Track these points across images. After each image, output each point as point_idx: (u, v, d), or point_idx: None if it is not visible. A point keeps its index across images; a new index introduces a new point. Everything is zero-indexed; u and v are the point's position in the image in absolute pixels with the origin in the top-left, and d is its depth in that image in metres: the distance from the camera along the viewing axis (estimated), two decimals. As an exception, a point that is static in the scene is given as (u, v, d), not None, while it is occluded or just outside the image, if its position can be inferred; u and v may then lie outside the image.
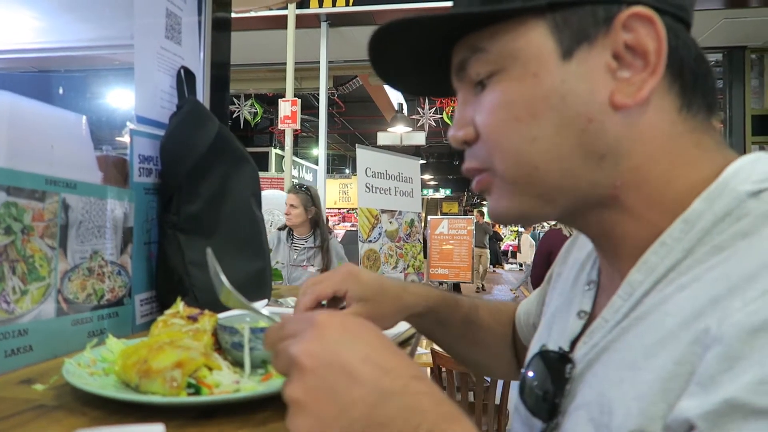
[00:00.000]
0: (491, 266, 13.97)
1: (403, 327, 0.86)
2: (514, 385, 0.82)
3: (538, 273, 3.82)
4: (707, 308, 0.36)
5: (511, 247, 17.25)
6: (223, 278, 0.51)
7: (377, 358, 0.37)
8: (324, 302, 0.69)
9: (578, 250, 0.64)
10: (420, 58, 0.54)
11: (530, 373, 0.53)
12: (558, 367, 0.50)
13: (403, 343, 0.83)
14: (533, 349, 0.59)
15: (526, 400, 0.53)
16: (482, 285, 10.62)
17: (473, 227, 5.83)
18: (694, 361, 0.35)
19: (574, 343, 0.51)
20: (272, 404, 0.54)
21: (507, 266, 15.71)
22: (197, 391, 0.54)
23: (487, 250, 10.81)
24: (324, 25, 5.35)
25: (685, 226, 0.42)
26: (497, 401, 2.54)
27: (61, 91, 1.40)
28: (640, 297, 0.43)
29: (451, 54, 0.52)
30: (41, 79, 1.43)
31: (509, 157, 0.47)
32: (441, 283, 5.56)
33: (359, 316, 0.66)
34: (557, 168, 0.46)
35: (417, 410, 0.36)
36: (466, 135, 0.50)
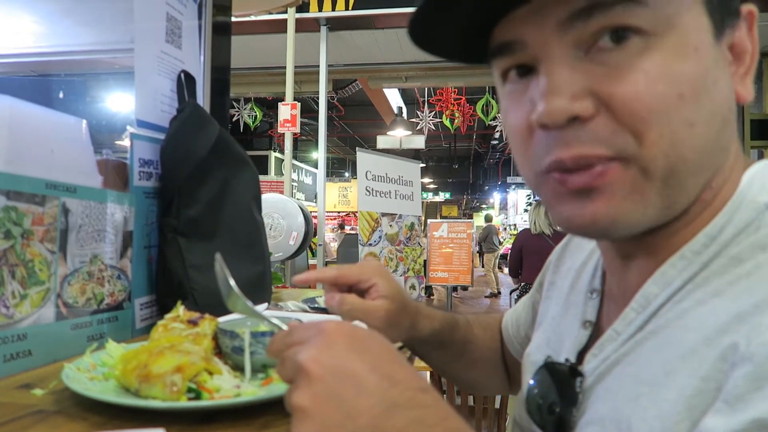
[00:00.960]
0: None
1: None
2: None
3: (513, 265, 4.50)
4: (732, 324, 0.35)
5: (510, 251, 17.24)
6: (233, 283, 0.50)
7: (385, 368, 0.37)
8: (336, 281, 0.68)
9: (570, 257, 0.62)
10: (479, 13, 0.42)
11: (535, 385, 0.52)
12: (567, 379, 0.48)
13: (401, 349, 0.83)
14: (534, 360, 0.57)
15: (532, 413, 0.51)
16: (498, 290, 10.54)
17: (473, 231, 5.83)
18: (720, 377, 0.34)
19: (581, 355, 0.50)
20: (273, 409, 0.53)
21: (506, 269, 15.69)
22: (197, 396, 0.54)
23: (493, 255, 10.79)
24: (324, 29, 5.36)
25: (706, 240, 0.41)
26: (497, 405, 2.54)
27: (61, 95, 1.40)
28: (655, 310, 0.42)
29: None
30: (41, 83, 1.44)
31: (664, 143, 0.38)
32: (455, 289, 5.55)
33: (381, 314, 0.66)
34: (698, 164, 0.40)
35: (424, 424, 0.35)
36: (585, 108, 0.38)
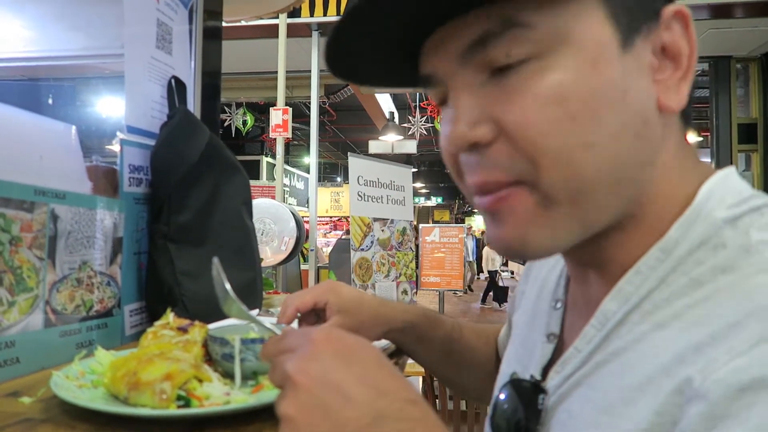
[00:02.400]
0: (481, 274, 14.02)
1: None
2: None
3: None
4: (689, 355, 0.34)
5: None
6: (228, 287, 0.50)
7: (373, 378, 0.37)
8: (299, 315, 0.71)
9: (539, 265, 0.61)
10: (392, 45, 0.44)
11: (501, 398, 0.51)
12: (530, 396, 0.48)
13: (394, 354, 0.82)
14: (503, 374, 0.58)
15: (496, 427, 0.51)
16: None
17: (465, 235, 5.84)
18: (675, 412, 0.33)
19: (546, 370, 0.49)
20: (263, 416, 0.53)
21: (502, 274, 15.75)
22: (187, 404, 0.54)
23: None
24: (315, 34, 5.37)
25: (661, 254, 0.39)
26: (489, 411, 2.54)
27: (50, 100, 1.39)
28: (612, 327, 0.41)
29: (435, 29, 0.41)
30: (31, 87, 1.43)
31: (561, 166, 0.37)
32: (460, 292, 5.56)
33: (339, 327, 0.68)
34: (609, 181, 0.38)
35: None
36: (484, 135, 0.39)
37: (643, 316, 0.39)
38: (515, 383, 0.51)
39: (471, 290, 12.30)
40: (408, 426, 0.35)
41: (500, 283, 10.16)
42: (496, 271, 10.22)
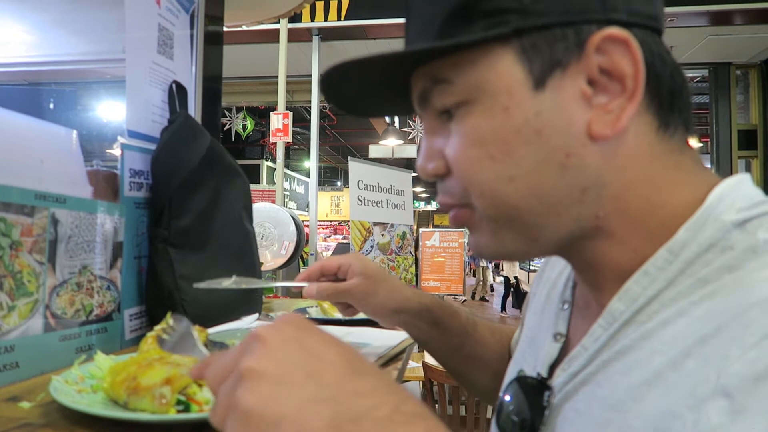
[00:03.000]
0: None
1: (394, 341, 0.85)
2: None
3: None
4: (695, 347, 0.35)
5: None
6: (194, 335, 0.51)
7: (342, 345, 0.36)
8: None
9: (550, 268, 0.62)
10: (377, 87, 0.50)
11: (507, 399, 0.52)
12: (536, 393, 0.48)
13: (393, 359, 0.83)
14: (510, 373, 0.58)
15: (502, 427, 0.51)
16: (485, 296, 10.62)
17: (465, 240, 5.84)
18: (684, 412, 0.33)
19: (552, 368, 0.49)
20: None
21: (498, 278, 15.73)
22: (187, 408, 0.54)
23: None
24: (316, 39, 5.38)
25: (669, 255, 0.40)
26: (489, 415, 2.54)
27: (52, 105, 1.40)
28: (619, 327, 0.42)
29: (410, 80, 0.48)
30: (32, 92, 1.43)
31: (486, 197, 0.43)
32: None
33: (357, 289, 0.73)
34: (539, 207, 0.42)
35: (393, 384, 0.34)
36: (436, 169, 0.46)
37: (650, 316, 0.40)
38: (521, 380, 0.51)
39: (486, 300, 11.29)
40: (389, 377, 0.35)
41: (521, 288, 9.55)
42: (515, 276, 9.64)
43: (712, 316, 0.35)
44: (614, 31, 0.40)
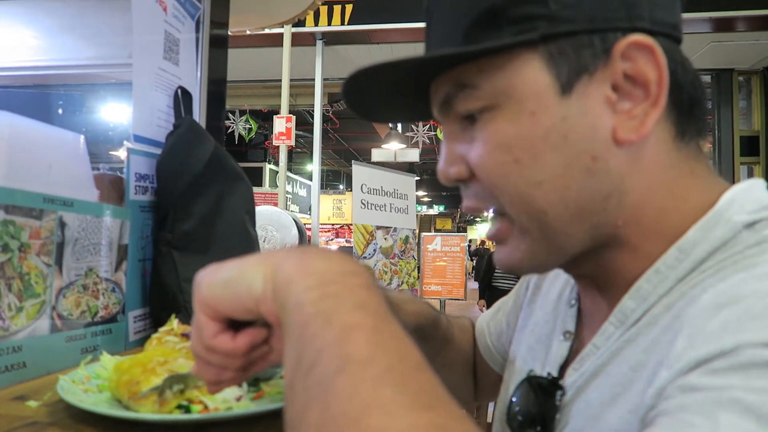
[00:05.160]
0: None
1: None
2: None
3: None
4: (686, 308, 0.37)
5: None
6: None
7: None
8: None
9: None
10: (395, 93, 0.50)
11: (517, 401, 0.52)
12: (548, 394, 0.49)
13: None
14: (518, 369, 0.58)
15: (513, 427, 0.52)
16: None
17: (466, 244, 5.85)
18: (661, 360, 0.36)
19: (563, 368, 0.50)
20: (265, 422, 0.54)
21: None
22: (188, 410, 0.55)
23: None
24: (319, 43, 5.41)
25: (679, 254, 0.41)
26: (489, 419, 2.54)
27: (60, 110, 1.41)
28: (631, 324, 0.43)
29: (430, 84, 0.48)
30: (40, 96, 1.45)
31: (515, 202, 0.44)
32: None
33: None
34: (565, 212, 0.43)
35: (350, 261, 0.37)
36: (459, 173, 0.47)
37: (661, 310, 0.41)
38: (532, 380, 0.52)
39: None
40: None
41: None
42: None
43: (704, 286, 0.37)
44: (640, 37, 0.41)
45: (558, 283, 0.60)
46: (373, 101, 0.51)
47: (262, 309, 0.36)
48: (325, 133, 9.34)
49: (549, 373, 0.51)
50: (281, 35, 4.73)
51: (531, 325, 0.61)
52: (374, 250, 4.22)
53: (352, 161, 4.23)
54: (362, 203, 4.11)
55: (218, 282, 0.38)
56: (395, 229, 4.41)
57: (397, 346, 0.31)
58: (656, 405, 0.33)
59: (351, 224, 4.18)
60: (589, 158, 0.42)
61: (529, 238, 0.45)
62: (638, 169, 0.43)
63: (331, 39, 5.43)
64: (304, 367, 0.30)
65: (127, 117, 1.00)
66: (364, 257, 4.08)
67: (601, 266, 0.46)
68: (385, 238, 4.33)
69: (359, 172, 4.13)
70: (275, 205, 5.00)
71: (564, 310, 0.55)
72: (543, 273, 0.53)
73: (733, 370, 0.29)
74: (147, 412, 0.54)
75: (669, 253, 0.42)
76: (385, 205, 4.34)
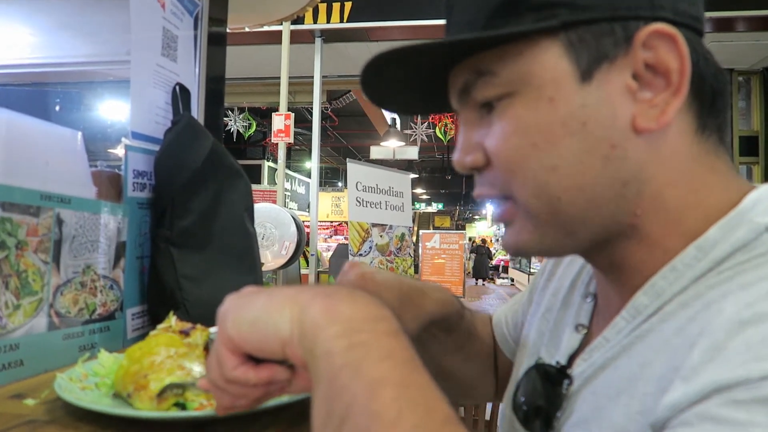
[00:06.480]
0: (480, 280, 13.96)
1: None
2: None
3: None
4: (701, 312, 0.37)
5: (502, 262, 17.29)
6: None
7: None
8: None
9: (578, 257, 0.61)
10: (413, 81, 0.50)
11: (524, 382, 0.53)
12: (555, 382, 0.49)
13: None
14: (529, 353, 0.58)
15: (518, 413, 0.52)
16: None
17: (465, 242, 5.86)
18: (676, 366, 0.35)
19: (572, 358, 0.50)
20: (264, 419, 0.54)
21: (498, 281, 15.73)
22: (185, 407, 0.55)
23: None
24: (318, 40, 5.40)
25: (698, 253, 0.41)
26: (487, 417, 2.54)
27: (57, 107, 1.41)
28: (644, 319, 0.43)
29: (448, 73, 0.48)
30: (38, 93, 1.44)
31: (529, 187, 0.44)
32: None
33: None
34: (580, 198, 0.43)
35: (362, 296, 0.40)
36: (475, 161, 0.47)
37: (675, 307, 0.41)
38: (540, 368, 0.52)
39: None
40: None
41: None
42: (511, 278, 9.71)
43: (722, 290, 0.37)
44: (662, 26, 0.40)
45: (572, 270, 0.60)
46: (388, 88, 0.51)
47: (287, 351, 0.38)
48: (323, 130, 9.34)
49: (557, 362, 0.51)
50: (280, 32, 4.72)
51: (543, 310, 0.60)
52: (370, 248, 4.22)
53: (347, 159, 4.22)
54: (357, 201, 4.10)
55: (245, 321, 0.40)
56: (391, 227, 4.41)
57: (425, 400, 0.32)
58: (671, 421, 0.33)
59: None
60: (608, 146, 0.42)
61: (536, 221, 0.45)
62: (658, 159, 0.42)
63: (330, 36, 5.42)
64: (334, 422, 0.32)
65: (125, 114, 0.99)
66: (360, 254, 4.08)
67: (618, 258, 0.46)
68: (381, 236, 4.32)
69: (354, 169, 4.12)
70: (274, 202, 5.00)
71: (578, 302, 0.55)
72: (554, 257, 0.53)
73: (758, 403, 0.28)
74: (145, 410, 0.54)
75: (687, 251, 0.41)
76: (380, 202, 4.33)
